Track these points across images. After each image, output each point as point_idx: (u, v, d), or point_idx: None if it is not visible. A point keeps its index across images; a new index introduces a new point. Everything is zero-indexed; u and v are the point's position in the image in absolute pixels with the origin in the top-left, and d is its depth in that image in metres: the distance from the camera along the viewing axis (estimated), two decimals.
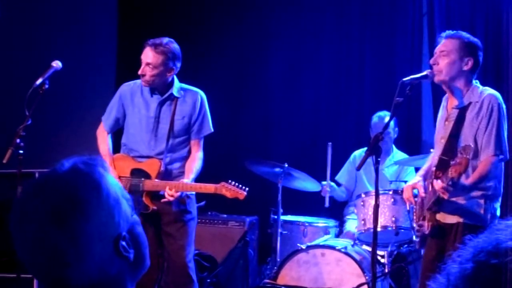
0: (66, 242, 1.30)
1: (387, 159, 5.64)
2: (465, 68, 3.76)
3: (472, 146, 3.43)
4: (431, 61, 3.82)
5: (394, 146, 5.75)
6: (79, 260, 1.31)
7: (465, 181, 3.61)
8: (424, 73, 3.82)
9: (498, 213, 3.75)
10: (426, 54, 6.06)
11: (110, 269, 1.36)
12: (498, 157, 3.67)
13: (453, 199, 3.71)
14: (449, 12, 6.12)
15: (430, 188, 3.78)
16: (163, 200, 4.28)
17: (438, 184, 3.53)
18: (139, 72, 4.35)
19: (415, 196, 3.92)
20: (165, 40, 4.36)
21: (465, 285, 1.09)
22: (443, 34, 3.86)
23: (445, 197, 3.58)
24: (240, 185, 4.35)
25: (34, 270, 1.36)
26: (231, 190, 4.31)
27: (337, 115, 6.53)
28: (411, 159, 5.48)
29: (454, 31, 3.87)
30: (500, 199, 3.78)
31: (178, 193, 4.26)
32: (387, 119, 5.27)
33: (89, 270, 1.32)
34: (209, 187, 4.33)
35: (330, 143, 5.41)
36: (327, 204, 5.38)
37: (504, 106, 3.75)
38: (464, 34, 3.85)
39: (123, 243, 1.37)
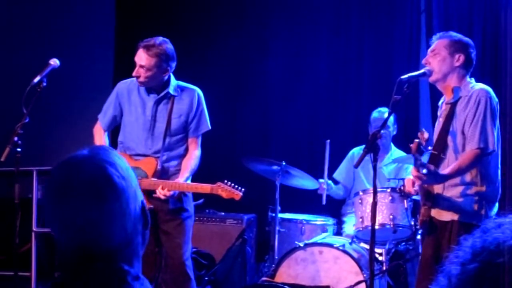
0: (113, 200, 1.48)
1: (386, 157, 5.63)
2: (457, 64, 3.79)
3: (424, 130, 3.61)
4: (423, 61, 3.88)
5: (392, 144, 5.75)
6: (122, 217, 1.49)
7: (443, 171, 3.64)
8: (422, 70, 3.83)
9: (494, 212, 3.75)
10: (424, 52, 6.03)
11: (138, 230, 1.55)
12: (483, 150, 3.66)
13: (448, 195, 3.73)
14: (447, 10, 6.12)
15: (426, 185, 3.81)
16: (154, 195, 4.29)
17: (412, 171, 3.63)
18: (133, 74, 4.35)
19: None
20: (158, 40, 4.34)
21: (469, 285, 1.09)
22: (434, 37, 3.92)
23: (417, 183, 3.70)
24: (236, 186, 4.35)
25: (76, 237, 1.48)
26: (227, 190, 4.31)
27: (335, 113, 6.53)
28: (409, 157, 5.46)
29: (445, 32, 3.93)
30: (497, 199, 3.78)
31: (170, 193, 4.27)
32: (386, 115, 5.28)
33: (127, 227, 1.51)
34: (205, 187, 4.33)
35: (328, 141, 5.39)
36: (324, 201, 5.37)
37: (496, 100, 3.75)
38: (454, 33, 3.90)
39: (145, 206, 1.58)
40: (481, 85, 3.80)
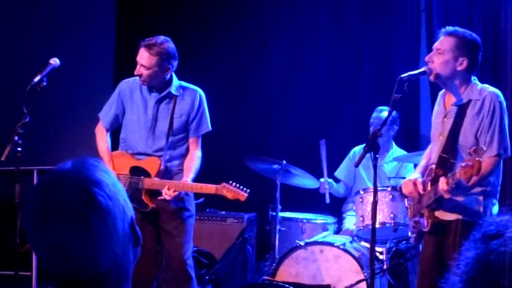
0: (99, 223, 1.37)
1: (387, 155, 5.63)
2: (459, 68, 3.70)
3: (485, 148, 3.43)
4: (426, 58, 3.78)
5: (393, 143, 5.75)
6: (110, 239, 1.39)
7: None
8: (422, 69, 3.78)
9: (496, 209, 3.75)
10: (424, 50, 6.06)
11: (128, 250, 1.44)
12: (502, 156, 3.66)
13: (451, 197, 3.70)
14: (447, 8, 6.12)
15: (429, 186, 3.77)
16: (160, 197, 4.29)
17: (443, 185, 3.53)
18: (135, 73, 4.35)
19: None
20: (160, 39, 4.34)
21: None
22: (443, 30, 3.80)
23: (447, 197, 3.60)
24: (241, 187, 4.33)
25: (62, 264, 1.39)
26: (232, 191, 4.29)
27: (335, 112, 6.53)
28: (410, 155, 5.48)
29: (454, 28, 3.79)
30: (498, 196, 3.77)
31: (176, 193, 4.26)
32: (385, 113, 5.28)
33: (116, 249, 1.40)
34: (210, 188, 4.32)
35: (323, 140, 5.40)
36: (327, 200, 5.38)
37: (505, 104, 3.73)
38: (463, 31, 3.77)
39: (135, 223, 1.47)
40: (491, 88, 3.73)
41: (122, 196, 1.44)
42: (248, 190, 4.34)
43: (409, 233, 4.40)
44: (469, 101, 3.72)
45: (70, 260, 1.38)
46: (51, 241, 1.37)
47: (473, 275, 1.10)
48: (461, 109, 3.73)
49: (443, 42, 3.74)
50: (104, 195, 1.38)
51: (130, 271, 1.48)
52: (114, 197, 1.41)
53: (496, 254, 1.09)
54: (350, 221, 5.43)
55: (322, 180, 5.38)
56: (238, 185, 4.33)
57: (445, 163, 3.70)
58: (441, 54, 3.72)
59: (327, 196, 5.37)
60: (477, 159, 3.31)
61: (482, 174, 3.59)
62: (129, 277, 1.47)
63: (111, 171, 1.48)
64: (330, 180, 5.50)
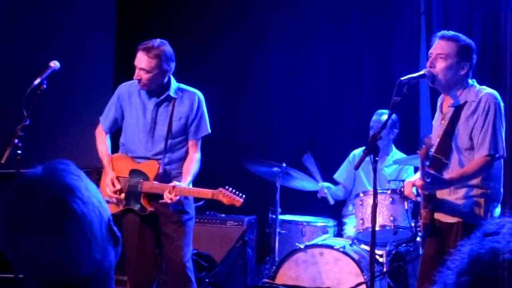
0: (75, 230, 1.33)
1: (387, 158, 5.62)
2: (462, 72, 3.74)
3: (432, 136, 3.60)
4: (428, 64, 3.77)
5: (393, 146, 5.74)
6: (88, 245, 1.35)
7: (446, 176, 3.63)
8: (422, 72, 3.80)
9: (497, 212, 3.75)
10: (423, 53, 6.05)
11: (108, 253, 1.41)
12: (493, 157, 3.65)
13: (452, 199, 3.71)
14: (446, 11, 6.12)
15: None
16: (161, 201, 4.28)
17: (417, 181, 3.63)
18: (134, 77, 4.34)
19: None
20: (157, 42, 4.33)
21: None
22: (438, 34, 3.82)
23: (425, 192, 3.69)
24: (237, 192, 4.33)
25: (43, 273, 1.36)
26: (228, 196, 4.29)
27: (335, 114, 6.53)
28: (410, 158, 5.47)
29: (450, 33, 3.82)
30: (500, 199, 3.77)
31: (177, 197, 4.26)
32: (385, 117, 5.28)
33: (96, 254, 1.37)
34: (206, 193, 4.32)
35: (307, 154, 5.41)
36: (331, 202, 5.40)
37: (502, 105, 3.74)
38: (461, 36, 3.81)
39: (112, 224, 1.43)
40: (487, 89, 3.75)
41: (97, 198, 1.40)
42: (243, 196, 4.34)
43: (418, 238, 4.43)
44: (465, 102, 3.73)
45: (49, 270, 1.34)
46: (28, 251, 1.34)
47: (463, 267, 1.12)
48: (457, 111, 3.75)
49: (444, 47, 3.75)
50: (78, 201, 1.34)
51: (113, 271, 1.45)
52: (89, 201, 1.37)
53: (486, 249, 1.11)
54: (351, 228, 5.42)
55: (320, 185, 5.39)
56: (234, 190, 4.32)
57: (438, 163, 3.71)
58: (443, 59, 3.72)
59: (330, 198, 5.39)
60: (424, 146, 3.57)
61: (464, 172, 3.62)
62: (111, 276, 1.45)
63: (82, 173, 1.43)
64: (327, 184, 5.50)
